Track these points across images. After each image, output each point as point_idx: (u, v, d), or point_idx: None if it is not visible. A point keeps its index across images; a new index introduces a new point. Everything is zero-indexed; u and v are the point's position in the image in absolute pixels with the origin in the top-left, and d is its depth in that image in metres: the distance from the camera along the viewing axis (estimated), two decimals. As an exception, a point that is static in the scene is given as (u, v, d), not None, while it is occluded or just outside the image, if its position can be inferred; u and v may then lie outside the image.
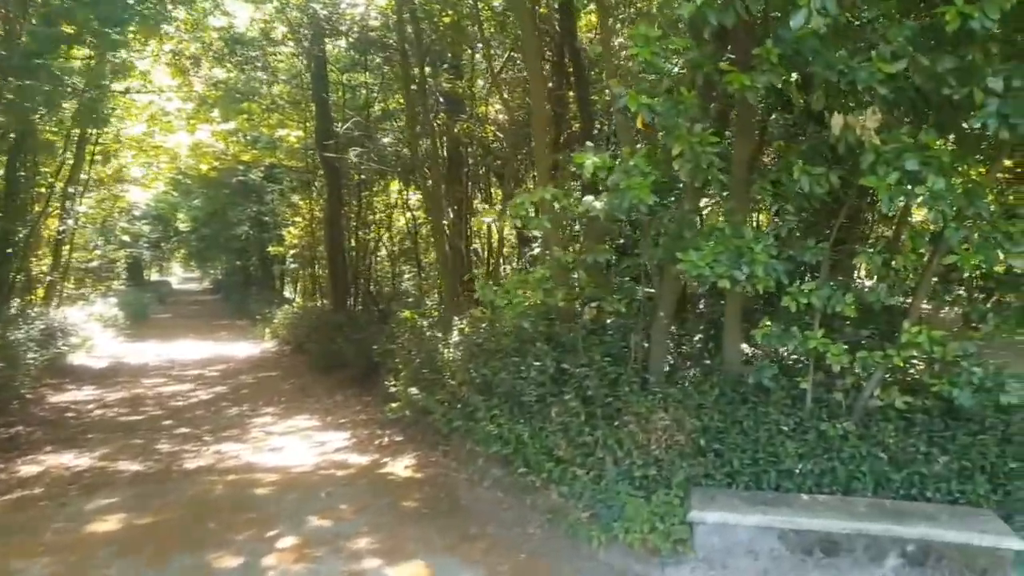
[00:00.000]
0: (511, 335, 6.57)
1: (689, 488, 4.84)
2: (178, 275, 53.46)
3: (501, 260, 12.50)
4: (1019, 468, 4.60)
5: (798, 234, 5.71)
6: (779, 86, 3.93)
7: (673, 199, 5.84)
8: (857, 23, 4.12)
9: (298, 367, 13.27)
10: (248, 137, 18.00)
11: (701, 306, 7.90)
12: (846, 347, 4.69)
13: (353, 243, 15.38)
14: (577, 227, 7.72)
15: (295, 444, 7.72)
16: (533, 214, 5.08)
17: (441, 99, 11.27)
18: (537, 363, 5.88)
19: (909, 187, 3.56)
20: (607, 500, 5.03)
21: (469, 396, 6.45)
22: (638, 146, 5.30)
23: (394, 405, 8.10)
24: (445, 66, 11.92)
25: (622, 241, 7.64)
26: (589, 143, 4.59)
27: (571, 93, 9.55)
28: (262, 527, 5.24)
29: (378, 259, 16.04)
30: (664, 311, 5.94)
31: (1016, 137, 3.48)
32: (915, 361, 5.08)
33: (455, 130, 10.92)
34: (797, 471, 4.78)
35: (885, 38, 3.57)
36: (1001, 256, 3.75)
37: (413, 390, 7.36)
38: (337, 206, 14.18)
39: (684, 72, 4.87)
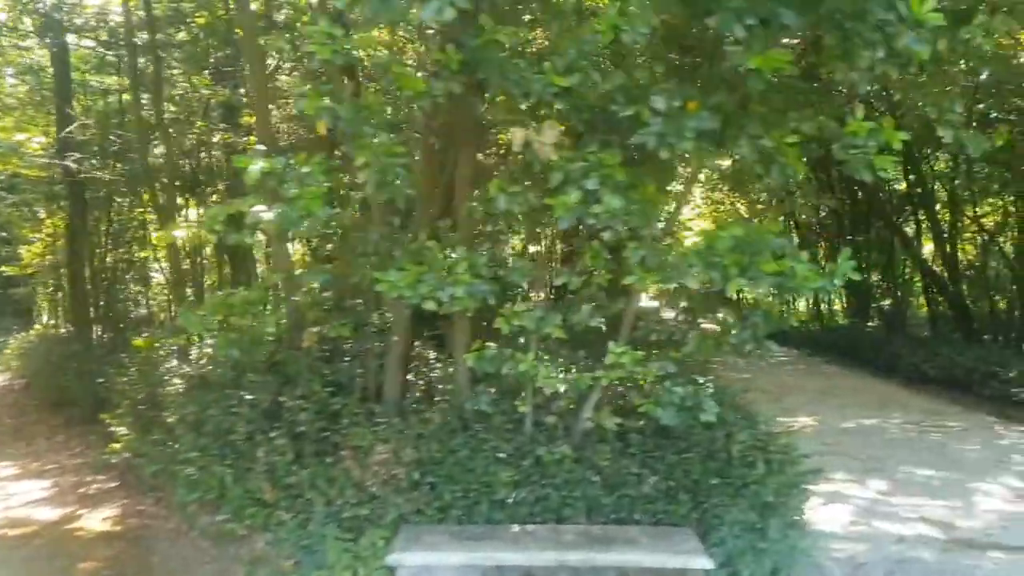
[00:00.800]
0: (232, 365, 5.90)
1: (399, 527, 4.47)
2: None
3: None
4: (719, 484, 4.71)
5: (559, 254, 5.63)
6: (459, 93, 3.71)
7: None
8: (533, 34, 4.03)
9: (22, 404, 11.45)
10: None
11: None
12: (565, 369, 4.60)
13: (110, 262, 13.82)
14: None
15: (-29, 500, 6.43)
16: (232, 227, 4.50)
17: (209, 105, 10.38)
18: (250, 396, 5.27)
19: (590, 207, 3.48)
20: (312, 546, 4.53)
21: (182, 435, 5.69)
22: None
23: (116, 446, 7.07)
24: (207, 72, 10.99)
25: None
26: (261, 147, 4.12)
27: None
28: None
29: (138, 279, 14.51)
30: (398, 334, 5.59)
31: (674, 157, 3.54)
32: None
33: (215, 139, 10.07)
34: (511, 500, 4.57)
35: (556, 50, 3.50)
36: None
37: (122, 429, 6.43)
38: (80, 221, 12.55)
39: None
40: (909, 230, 18.33)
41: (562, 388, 4.54)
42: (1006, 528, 5.79)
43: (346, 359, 5.90)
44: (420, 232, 4.46)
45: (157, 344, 8.28)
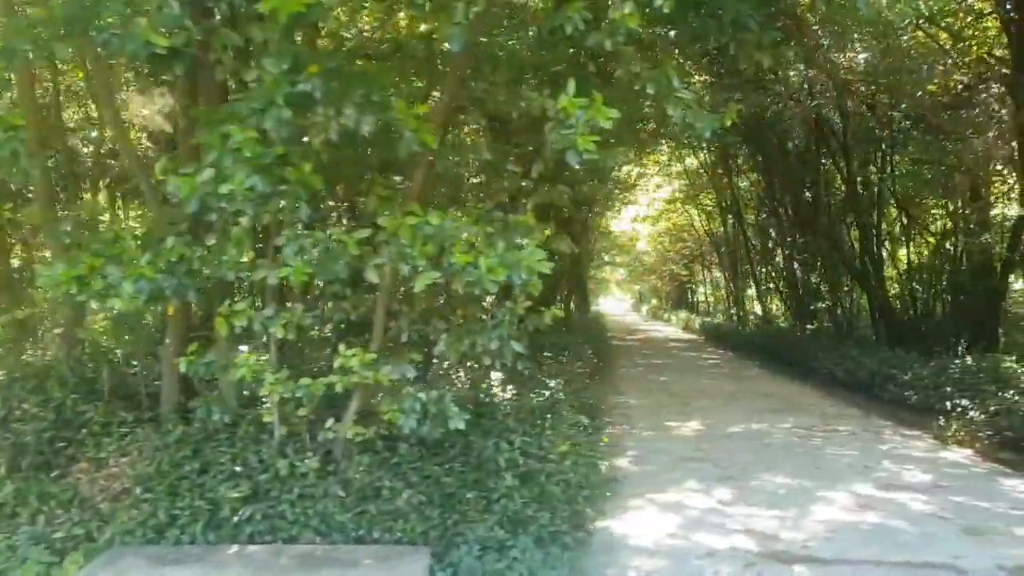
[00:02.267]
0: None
1: (110, 547, 4.07)
2: None
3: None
4: (473, 498, 4.35)
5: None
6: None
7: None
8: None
9: None
10: None
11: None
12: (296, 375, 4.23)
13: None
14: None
15: None
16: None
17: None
18: (-11, 403, 4.86)
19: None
20: (9, 571, 4.11)
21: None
22: None
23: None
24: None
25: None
26: None
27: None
28: None
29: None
30: (172, 336, 5.19)
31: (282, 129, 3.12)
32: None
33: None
34: (236, 519, 4.18)
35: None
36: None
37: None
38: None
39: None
40: (854, 234, 18.06)
41: (294, 395, 4.16)
42: (828, 539, 5.47)
43: (124, 365, 5.52)
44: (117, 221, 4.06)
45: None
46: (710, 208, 27.66)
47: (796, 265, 20.60)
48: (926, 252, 16.62)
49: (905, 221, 16.66)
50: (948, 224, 15.79)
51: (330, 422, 4.33)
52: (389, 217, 3.34)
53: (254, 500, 4.22)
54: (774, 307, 24.16)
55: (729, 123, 3.66)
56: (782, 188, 20.25)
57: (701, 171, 25.03)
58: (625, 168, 24.21)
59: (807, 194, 18.90)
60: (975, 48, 10.05)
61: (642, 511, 6.12)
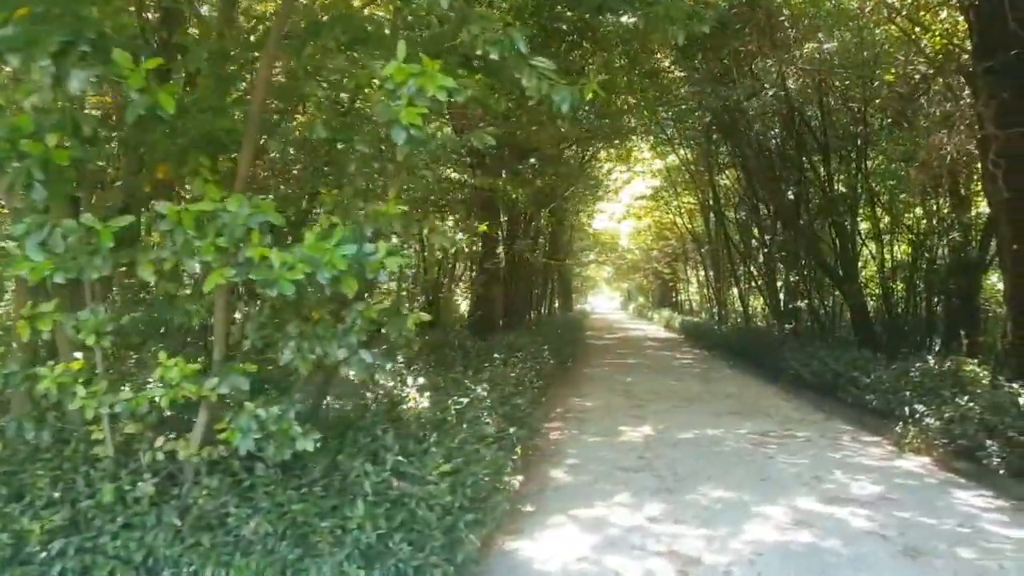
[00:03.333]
0: None
1: None
2: None
3: None
4: (329, 528, 3.81)
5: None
6: None
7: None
8: None
9: None
10: None
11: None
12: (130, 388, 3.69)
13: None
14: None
15: None
16: None
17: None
18: None
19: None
20: None
21: None
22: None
23: None
24: None
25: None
26: None
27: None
28: None
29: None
30: (19, 343, 4.65)
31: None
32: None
33: None
34: (45, 554, 3.64)
35: None
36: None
37: None
38: None
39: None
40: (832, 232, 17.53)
41: (112, 410, 3.63)
42: (752, 562, 4.97)
43: None
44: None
45: None
46: (692, 206, 27.18)
47: (778, 264, 20.12)
48: (905, 250, 16.15)
49: (883, 219, 16.19)
50: (924, 223, 15.33)
51: (159, 441, 3.79)
52: (171, 204, 2.81)
53: (72, 531, 3.68)
54: (758, 306, 23.67)
55: (590, 95, 3.14)
56: (761, 185, 19.75)
57: (682, 168, 24.59)
58: (607, 167, 23.79)
59: (786, 191, 18.42)
60: (938, 38, 9.55)
61: (561, 529, 5.63)
